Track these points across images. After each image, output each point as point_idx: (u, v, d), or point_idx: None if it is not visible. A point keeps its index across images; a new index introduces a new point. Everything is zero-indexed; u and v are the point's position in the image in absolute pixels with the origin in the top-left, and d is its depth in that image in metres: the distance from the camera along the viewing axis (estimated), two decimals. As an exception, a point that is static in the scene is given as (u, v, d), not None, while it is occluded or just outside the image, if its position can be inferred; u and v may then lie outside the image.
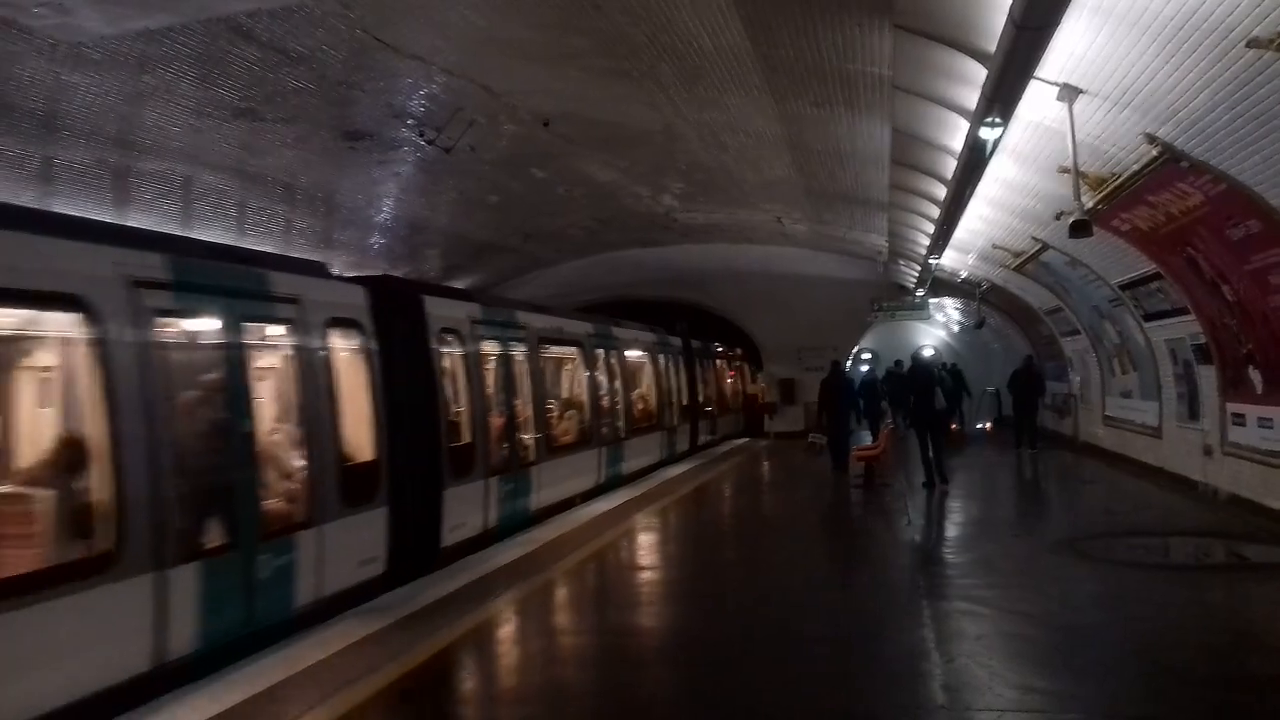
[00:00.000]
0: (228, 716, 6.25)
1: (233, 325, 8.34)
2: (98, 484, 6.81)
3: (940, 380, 18.35)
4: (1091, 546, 11.25)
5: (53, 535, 6.72)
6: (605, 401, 18.74)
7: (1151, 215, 11.74)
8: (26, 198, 12.95)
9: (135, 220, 14.35)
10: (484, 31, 12.17)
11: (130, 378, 7.01)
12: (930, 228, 17.86)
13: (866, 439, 22.18)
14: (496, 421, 13.63)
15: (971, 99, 9.70)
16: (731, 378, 33.26)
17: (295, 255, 15.92)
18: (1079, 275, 17.11)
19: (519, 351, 14.99)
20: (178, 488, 7.28)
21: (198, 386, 8.08)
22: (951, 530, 13.61)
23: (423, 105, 14.54)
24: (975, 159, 11.00)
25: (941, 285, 26.42)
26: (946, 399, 26.73)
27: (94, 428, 6.85)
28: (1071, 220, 10.64)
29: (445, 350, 12.42)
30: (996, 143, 9.97)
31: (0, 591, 5.85)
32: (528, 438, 14.56)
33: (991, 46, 8.14)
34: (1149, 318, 15.63)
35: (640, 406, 21.68)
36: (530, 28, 12.07)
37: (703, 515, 15.90)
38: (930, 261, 20.76)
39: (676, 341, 26.03)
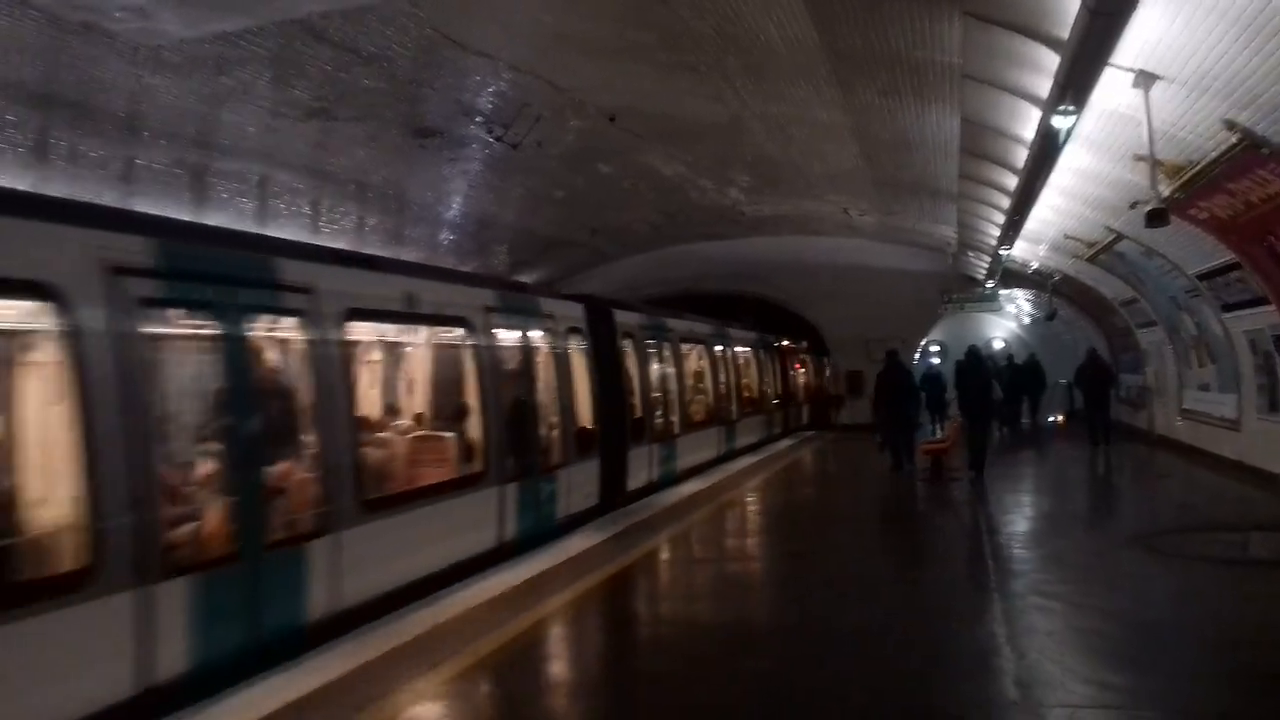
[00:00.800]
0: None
1: (543, 337, 12.93)
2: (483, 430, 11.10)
3: (997, 373, 19.06)
4: (1167, 542, 11.04)
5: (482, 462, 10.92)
6: (720, 390, 22.41)
7: (1230, 203, 11.46)
8: (109, 198, 13.35)
9: (213, 219, 14.72)
10: (550, 28, 12.28)
11: (501, 372, 11.67)
12: (1000, 218, 17.62)
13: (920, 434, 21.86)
14: (656, 402, 17.50)
15: (1043, 87, 9.56)
16: (799, 370, 33.09)
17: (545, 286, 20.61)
18: (1155, 265, 16.76)
19: (667, 349, 18.76)
20: (535, 434, 12.26)
21: (537, 376, 12.62)
22: (1022, 525, 13.44)
23: (490, 102, 14.71)
24: (1048, 148, 10.86)
25: (1012, 277, 26.03)
26: (1010, 391, 26.80)
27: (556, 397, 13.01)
28: (1147, 209, 10.46)
29: (626, 349, 16.20)
30: (1070, 131, 9.83)
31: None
32: (674, 416, 18.52)
33: (1064, 33, 8.03)
34: (1228, 308, 15.26)
35: (745, 395, 25.30)
36: (596, 23, 12.15)
37: (772, 506, 15.89)
38: (1001, 252, 20.49)
39: (753, 335, 26.42)
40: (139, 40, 11.13)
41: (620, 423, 15.16)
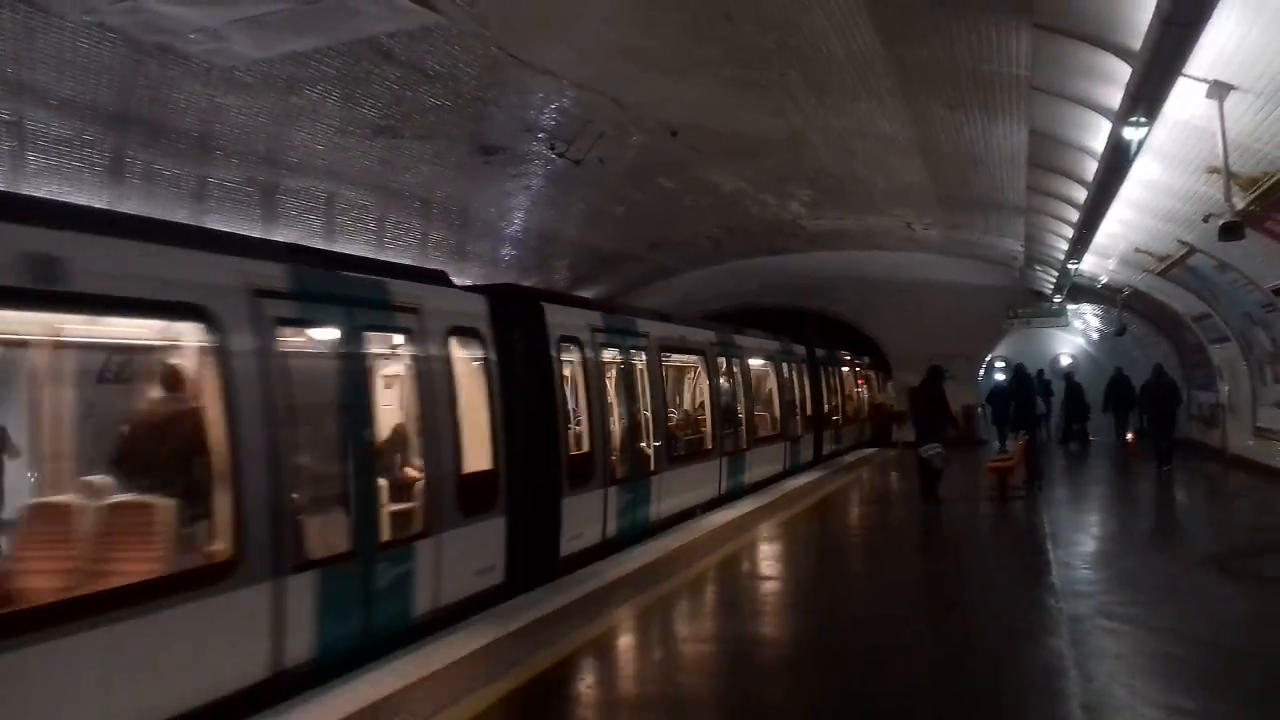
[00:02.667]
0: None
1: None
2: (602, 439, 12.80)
3: (1042, 389, 19.47)
4: (1240, 563, 10.75)
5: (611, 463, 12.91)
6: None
7: (1309, 216, 11.18)
8: (182, 215, 13.68)
9: (281, 235, 15.01)
10: (614, 44, 12.37)
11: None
12: (1069, 232, 17.35)
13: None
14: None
15: (1114, 98, 9.42)
16: (860, 386, 32.79)
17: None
18: (1228, 280, 16.37)
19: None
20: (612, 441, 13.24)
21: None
22: (1090, 545, 13.17)
23: (553, 119, 14.84)
24: (1118, 160, 10.68)
25: (1080, 291, 25.60)
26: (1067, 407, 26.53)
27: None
28: (1222, 222, 10.25)
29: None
30: (1141, 143, 9.68)
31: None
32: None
33: (1136, 43, 7.91)
34: (1305, 324, 14.87)
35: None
36: (660, 39, 12.21)
37: (832, 526, 15.74)
38: (1069, 267, 20.16)
39: (801, 350, 25.40)
40: (212, 61, 11.41)
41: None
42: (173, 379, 7.24)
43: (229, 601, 6.43)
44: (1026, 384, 21.00)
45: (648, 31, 12.03)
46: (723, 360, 18.40)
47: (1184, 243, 15.45)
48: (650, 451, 14.46)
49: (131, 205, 12.84)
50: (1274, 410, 18.58)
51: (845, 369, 30.40)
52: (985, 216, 20.98)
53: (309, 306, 7.83)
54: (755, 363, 20.74)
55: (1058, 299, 26.96)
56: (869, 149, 16.68)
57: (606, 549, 12.27)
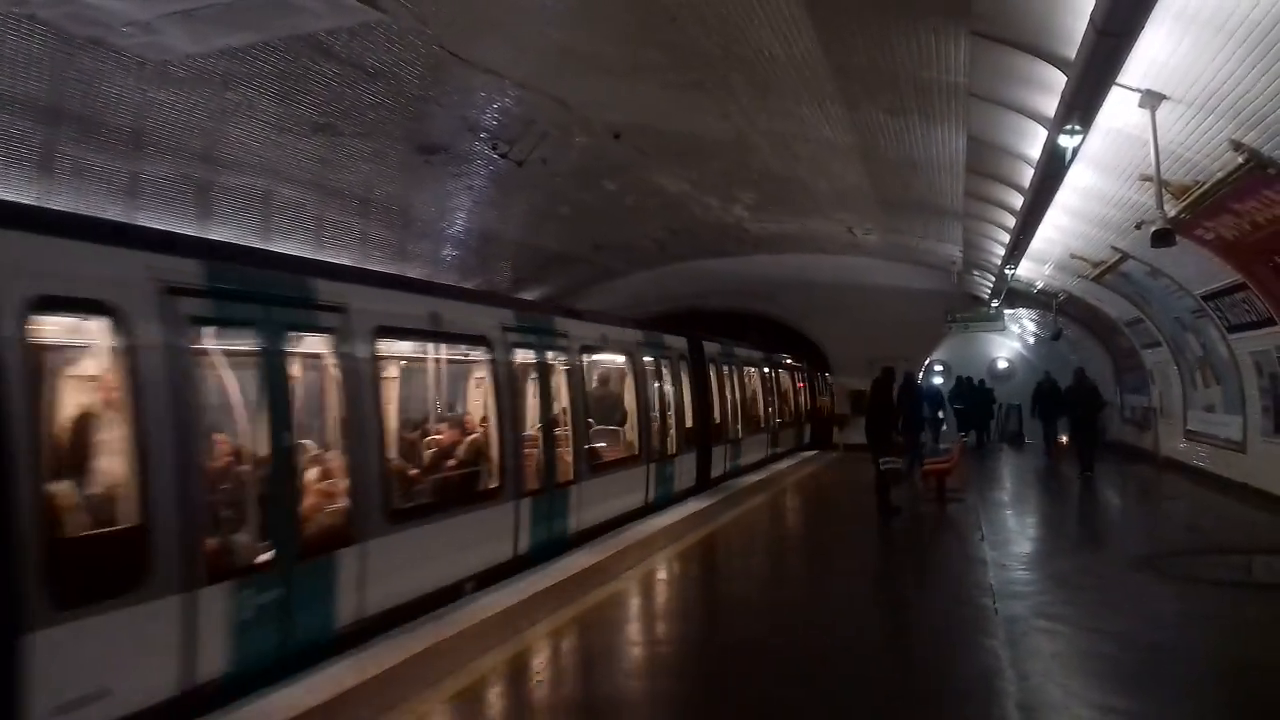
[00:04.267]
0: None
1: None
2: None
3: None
4: (1172, 564, 10.96)
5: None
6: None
7: (1237, 224, 11.44)
8: (114, 211, 13.35)
9: (217, 231, 14.71)
10: (558, 45, 12.29)
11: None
12: (1006, 237, 17.60)
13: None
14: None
15: (1050, 106, 9.55)
16: (800, 389, 32.98)
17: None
18: (1160, 286, 16.71)
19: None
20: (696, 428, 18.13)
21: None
22: (1026, 546, 13.36)
23: (496, 119, 14.72)
24: (1054, 167, 10.84)
25: (1017, 296, 26.00)
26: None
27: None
28: (1153, 229, 10.44)
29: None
30: (1076, 150, 9.82)
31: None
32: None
33: (1071, 52, 8.02)
34: (1233, 329, 15.21)
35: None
36: (604, 41, 12.16)
37: (774, 527, 15.81)
38: (1006, 272, 20.45)
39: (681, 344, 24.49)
40: (146, 55, 11.15)
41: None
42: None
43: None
44: (912, 390, 22.32)
45: (592, 33, 11.98)
46: (766, 369, 21.08)
47: (1117, 249, 15.74)
48: (739, 425, 22.79)
49: (61, 201, 12.51)
50: (1204, 414, 19.00)
51: (755, 369, 25.84)
52: (925, 222, 21.21)
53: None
54: (779, 371, 23.37)
55: (995, 304, 27.35)
56: (812, 153, 16.77)
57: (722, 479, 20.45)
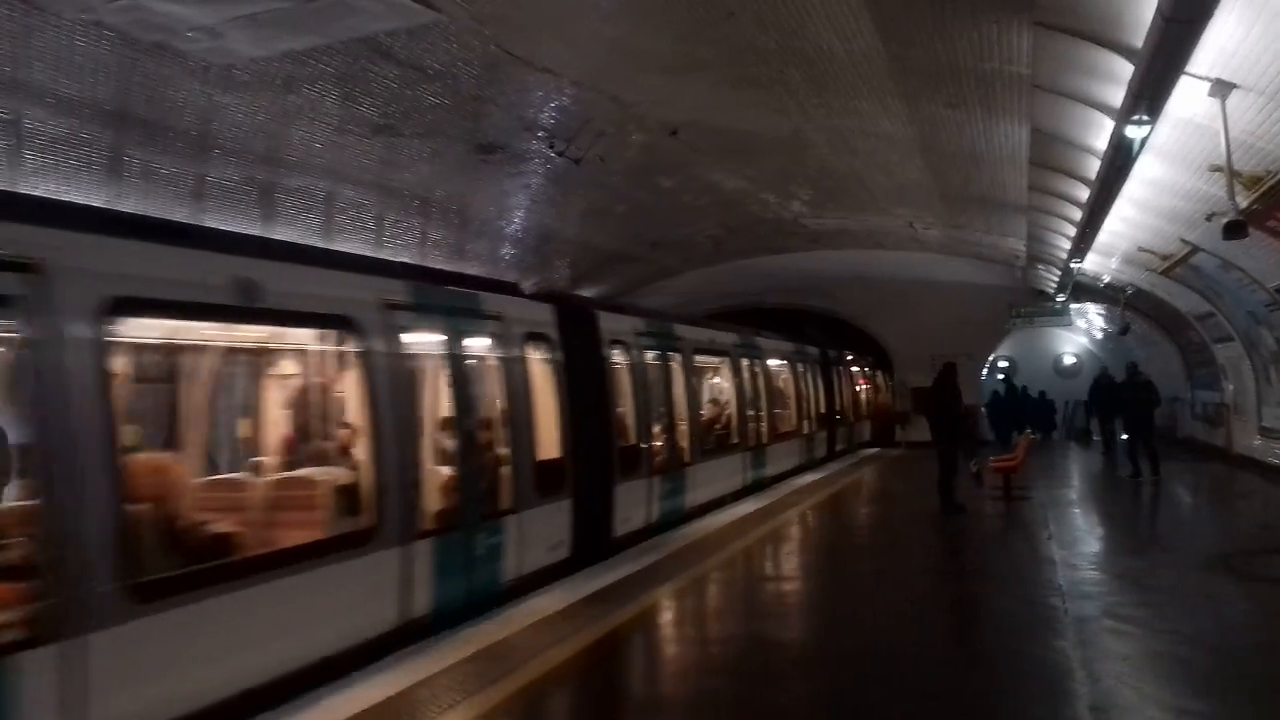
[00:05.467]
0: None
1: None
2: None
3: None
4: (1246, 563, 10.69)
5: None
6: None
7: (1313, 215, 11.11)
8: (181, 214, 13.62)
9: (281, 232, 14.94)
10: (614, 42, 12.30)
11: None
12: (1071, 230, 17.28)
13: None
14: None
15: (1116, 96, 9.35)
16: (862, 386, 32.71)
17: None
18: (1232, 279, 16.29)
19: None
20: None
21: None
22: (1095, 545, 13.11)
23: (553, 117, 14.77)
24: (1121, 159, 10.61)
25: (1083, 290, 25.52)
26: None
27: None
28: (1225, 221, 10.18)
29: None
30: (1144, 141, 9.60)
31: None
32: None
33: (1138, 41, 7.85)
34: (1310, 323, 14.79)
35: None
36: (660, 38, 12.14)
37: (837, 525, 15.67)
38: (1071, 266, 20.09)
39: (815, 351, 25.81)
40: (210, 59, 11.35)
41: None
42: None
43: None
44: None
45: (648, 30, 11.96)
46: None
47: (1187, 241, 15.38)
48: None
49: (129, 204, 12.79)
50: (1278, 410, 18.51)
51: (850, 369, 30.27)
52: (987, 216, 20.91)
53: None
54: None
55: (1060, 298, 26.88)
56: (870, 148, 16.61)
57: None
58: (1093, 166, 12.55)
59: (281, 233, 14.89)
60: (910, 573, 11.45)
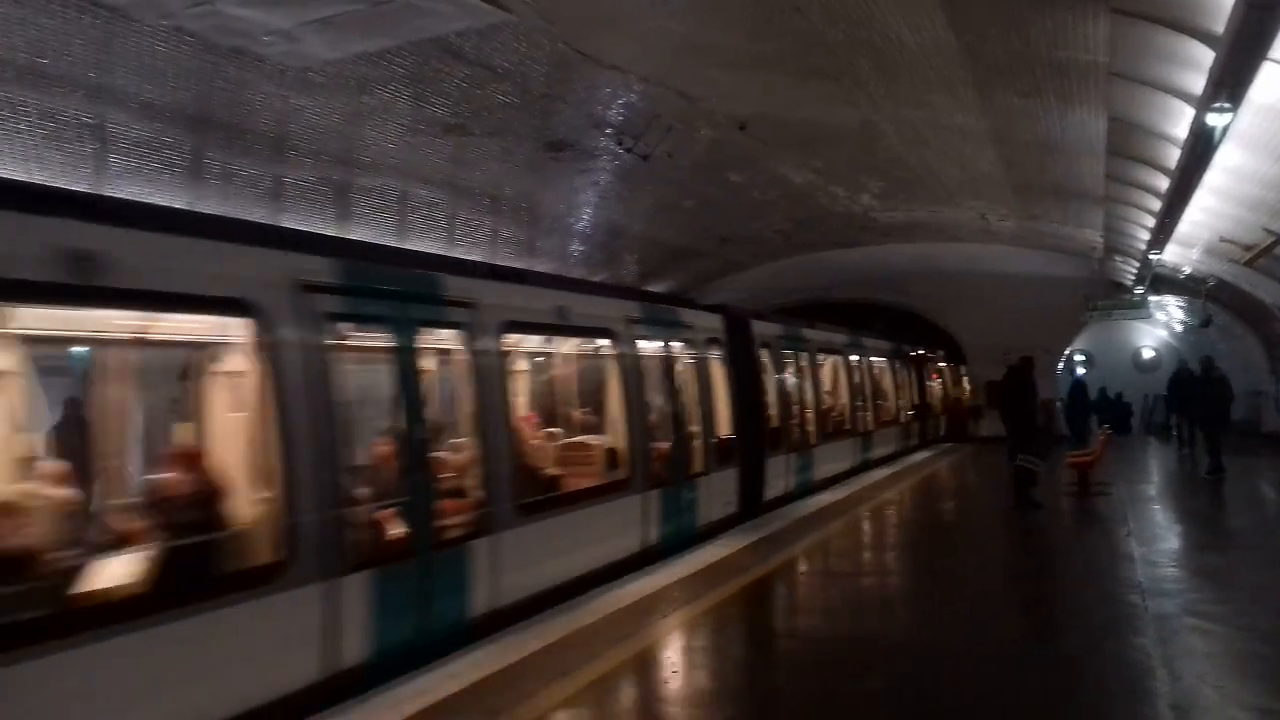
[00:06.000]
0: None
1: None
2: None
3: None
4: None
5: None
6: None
7: (1406, 201, 10.75)
8: (258, 214, 13.94)
9: (356, 232, 15.20)
10: (681, 39, 12.33)
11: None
12: (1150, 221, 16.92)
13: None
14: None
15: (1197, 84, 9.15)
16: (934, 380, 32.34)
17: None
18: (1320, 269, 15.83)
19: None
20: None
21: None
22: (1175, 542, 12.82)
23: (621, 114, 14.85)
24: (1201, 147, 10.38)
25: (1162, 282, 24.97)
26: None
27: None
28: (1312, 209, 9.88)
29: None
30: (1225, 129, 9.38)
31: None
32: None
33: (1219, 27, 7.68)
34: (1404, 314, 14.29)
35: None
36: (727, 32, 12.14)
37: (910, 521, 15.53)
38: (1150, 257, 19.68)
39: (906, 348, 25.97)
40: (286, 63, 11.62)
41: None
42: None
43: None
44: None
45: (715, 24, 11.97)
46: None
47: (1271, 231, 14.96)
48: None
49: (210, 205, 13.12)
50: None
51: (922, 363, 30.09)
52: (1062, 207, 20.54)
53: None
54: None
55: (1139, 290, 26.31)
56: (942, 139, 16.42)
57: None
58: (1172, 155, 12.29)
59: (356, 232, 15.17)
60: (983, 569, 11.32)
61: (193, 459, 6.67)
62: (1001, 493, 15.80)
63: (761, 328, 16.14)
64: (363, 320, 7.62)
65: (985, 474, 21.00)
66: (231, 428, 6.89)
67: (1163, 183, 13.90)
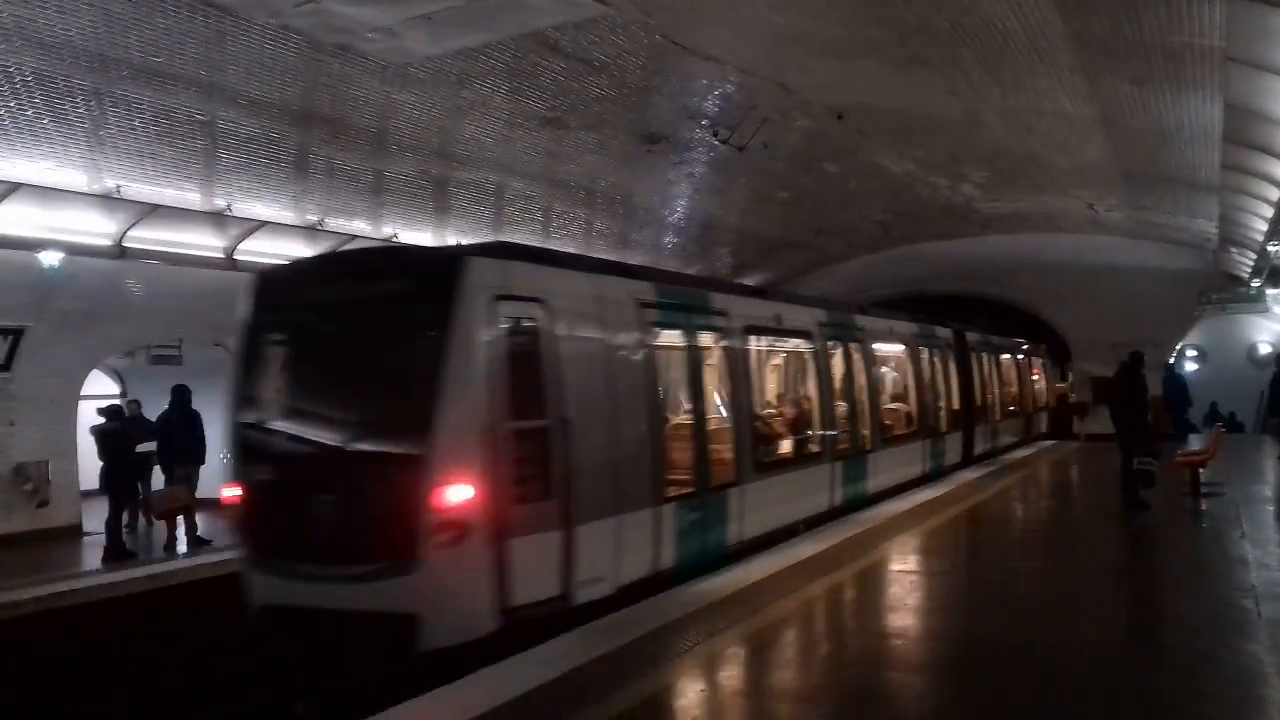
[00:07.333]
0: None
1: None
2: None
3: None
4: None
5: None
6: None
7: None
8: (360, 206, 14.26)
9: (454, 225, 15.43)
10: (780, 28, 12.23)
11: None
12: (1269, 211, 16.23)
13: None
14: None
15: (1321, 66, 8.73)
16: (1036, 376, 31.55)
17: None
18: None
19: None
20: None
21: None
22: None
23: (717, 105, 14.81)
24: (1325, 133, 9.90)
25: (1281, 275, 23.91)
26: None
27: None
28: None
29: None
30: (1352, 113, 8.92)
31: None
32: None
33: (1347, 6, 7.29)
34: None
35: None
36: (826, 22, 12.01)
37: (1015, 518, 15.20)
38: (1269, 249, 18.86)
39: (947, 333, 25.19)
40: (389, 59, 11.86)
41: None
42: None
43: None
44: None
45: (814, 13, 11.85)
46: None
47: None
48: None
49: (315, 199, 13.46)
50: None
51: (1024, 358, 29.43)
52: (1174, 196, 19.84)
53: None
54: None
55: (1256, 283, 25.25)
56: (1048, 127, 15.98)
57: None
58: (1294, 142, 11.77)
59: (455, 224, 15.41)
60: (1088, 570, 11.01)
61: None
62: (1104, 493, 15.34)
63: (970, 336, 21.94)
64: (666, 325, 10.30)
65: (1092, 464, 20.45)
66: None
67: (1283, 171, 13.33)
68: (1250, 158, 14.30)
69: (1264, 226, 17.74)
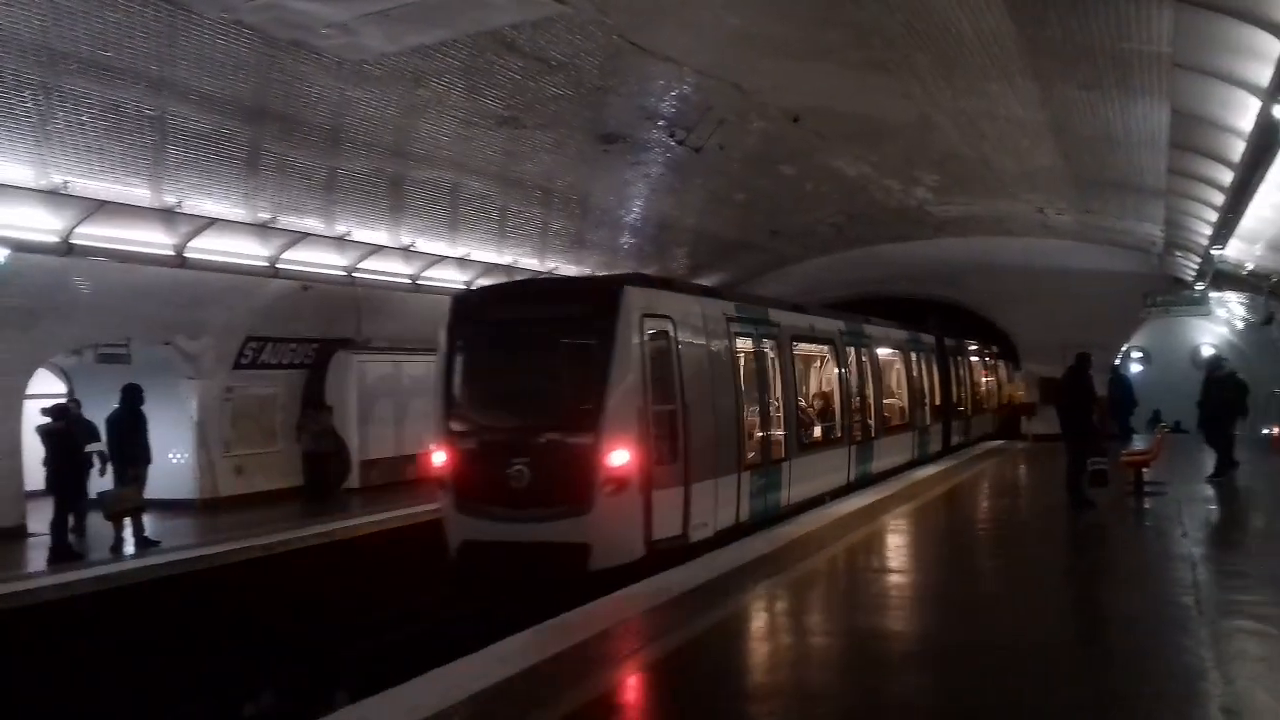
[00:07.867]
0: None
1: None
2: None
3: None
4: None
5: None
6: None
7: None
8: (313, 204, 14.12)
9: (408, 224, 15.32)
10: (737, 30, 12.29)
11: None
12: (1213, 216, 16.54)
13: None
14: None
15: (1263, 75, 8.95)
16: (986, 376, 31.97)
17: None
18: (1390, 266, 15.39)
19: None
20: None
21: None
22: (1233, 543, 12.56)
23: (674, 106, 14.85)
24: (1267, 139, 10.16)
25: (1224, 278, 24.38)
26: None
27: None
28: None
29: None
30: (1292, 121, 9.14)
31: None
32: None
33: (1287, 16, 7.48)
34: None
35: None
36: (784, 24, 12.09)
37: (956, 519, 15.39)
38: (1212, 252, 19.23)
39: (930, 339, 25.39)
40: (344, 55, 11.76)
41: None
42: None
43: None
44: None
45: (771, 16, 11.92)
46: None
47: (1340, 227, 14.58)
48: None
49: (267, 197, 13.30)
50: None
51: (973, 359, 30.09)
52: (1122, 201, 20.18)
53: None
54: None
55: (1200, 286, 25.75)
56: (999, 131, 16.20)
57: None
58: (1237, 148, 12.01)
59: (409, 223, 15.31)
60: (1033, 568, 11.18)
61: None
62: (1054, 486, 15.59)
63: (949, 341, 24.88)
64: (743, 335, 13.11)
65: (1038, 461, 20.77)
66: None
67: (1226, 176, 13.59)
68: (1195, 163, 14.58)
69: (1208, 230, 18.09)
